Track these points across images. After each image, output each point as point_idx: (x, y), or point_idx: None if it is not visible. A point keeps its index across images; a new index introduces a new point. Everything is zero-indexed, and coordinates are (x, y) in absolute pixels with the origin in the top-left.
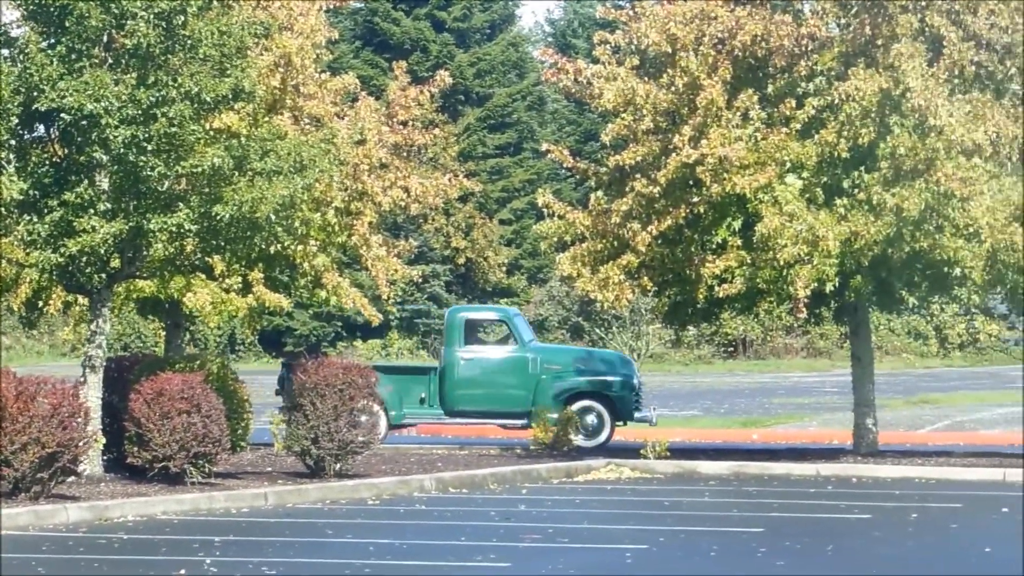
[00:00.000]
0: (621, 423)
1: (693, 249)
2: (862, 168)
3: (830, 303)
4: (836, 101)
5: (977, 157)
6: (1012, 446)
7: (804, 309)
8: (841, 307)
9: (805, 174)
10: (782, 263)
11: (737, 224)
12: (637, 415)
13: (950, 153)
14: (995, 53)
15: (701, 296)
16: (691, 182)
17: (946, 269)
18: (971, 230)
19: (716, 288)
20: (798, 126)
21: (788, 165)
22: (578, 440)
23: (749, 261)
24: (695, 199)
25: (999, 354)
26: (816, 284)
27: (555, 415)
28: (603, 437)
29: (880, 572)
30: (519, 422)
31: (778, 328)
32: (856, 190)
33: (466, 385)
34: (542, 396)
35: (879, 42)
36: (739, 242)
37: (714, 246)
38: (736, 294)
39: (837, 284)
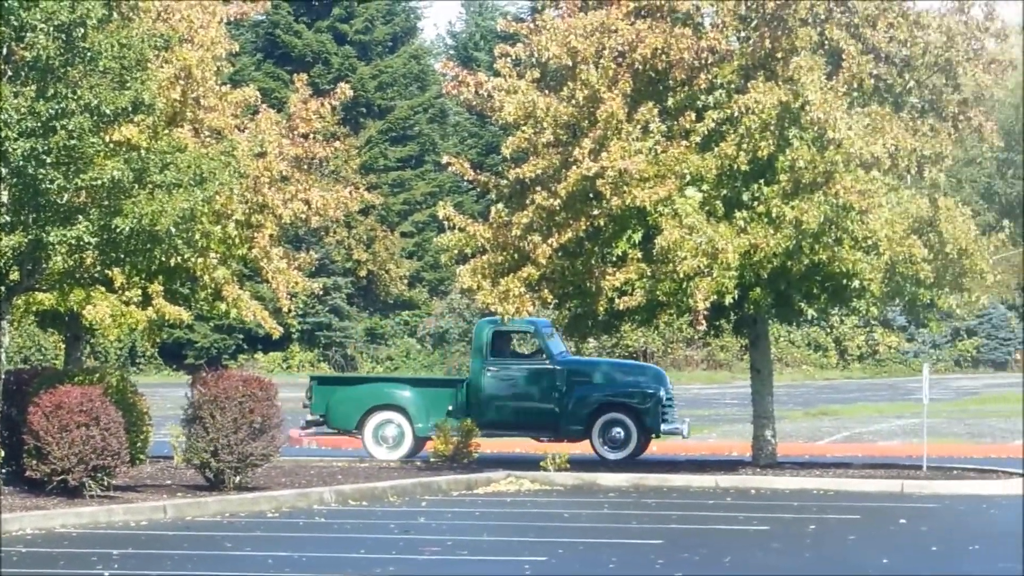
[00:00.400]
0: (652, 436)
1: (593, 261)
2: (762, 181)
3: (730, 315)
4: (736, 114)
5: (876, 170)
6: (910, 458)
7: (704, 321)
8: (740, 319)
9: (705, 187)
10: (682, 275)
11: (637, 237)
12: (666, 427)
13: (849, 166)
14: (894, 66)
15: (601, 308)
16: (591, 195)
17: (845, 281)
18: (870, 243)
19: (616, 300)
20: (698, 139)
21: (688, 178)
22: (604, 452)
23: (649, 273)
24: (595, 212)
25: (898, 366)
26: (715, 296)
27: (581, 428)
28: (630, 449)
29: None
30: (546, 435)
31: (679, 340)
32: (755, 203)
33: (492, 398)
34: (569, 409)
35: (779, 55)
36: (639, 255)
37: (614, 259)
38: (636, 306)
39: (736, 296)
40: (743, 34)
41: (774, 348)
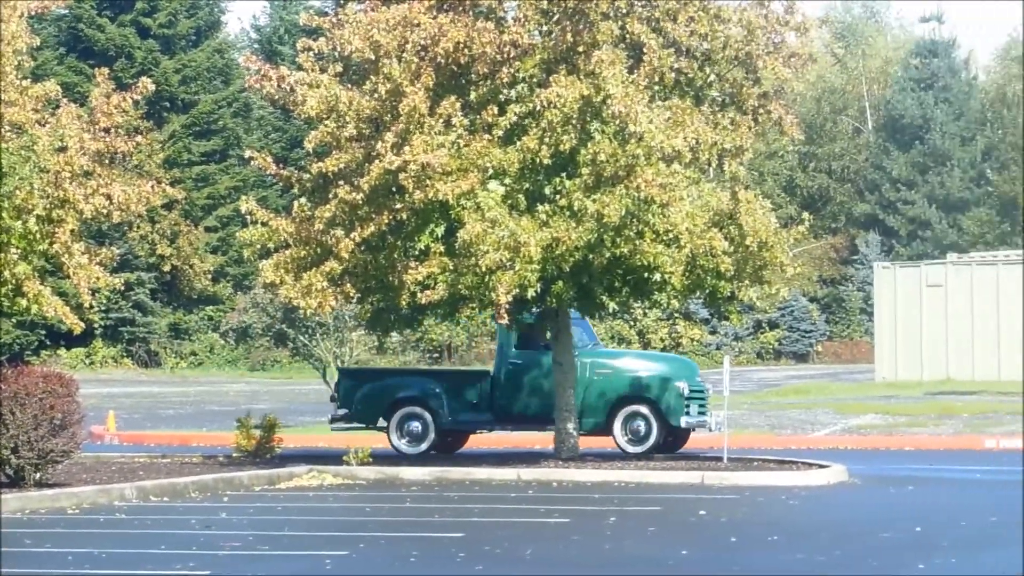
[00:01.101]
0: (674, 428)
1: (396, 256)
2: (564, 174)
3: (532, 308)
4: (538, 108)
5: (677, 163)
6: (711, 449)
7: (506, 315)
8: (543, 312)
9: (507, 180)
10: (484, 269)
11: (440, 231)
12: (687, 420)
13: (650, 159)
14: (695, 60)
15: (404, 302)
16: (394, 189)
17: (646, 274)
18: (671, 236)
19: (419, 294)
20: (500, 133)
21: (490, 172)
22: (625, 445)
23: (452, 267)
24: (398, 206)
25: (701, 358)
26: (518, 290)
27: (602, 421)
28: (650, 443)
29: (577, 574)
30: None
31: (483, 334)
32: (558, 196)
33: (514, 391)
34: (589, 401)
35: (580, 49)
36: (442, 248)
37: (417, 252)
38: (438, 300)
39: (539, 290)
40: (545, 28)
41: None
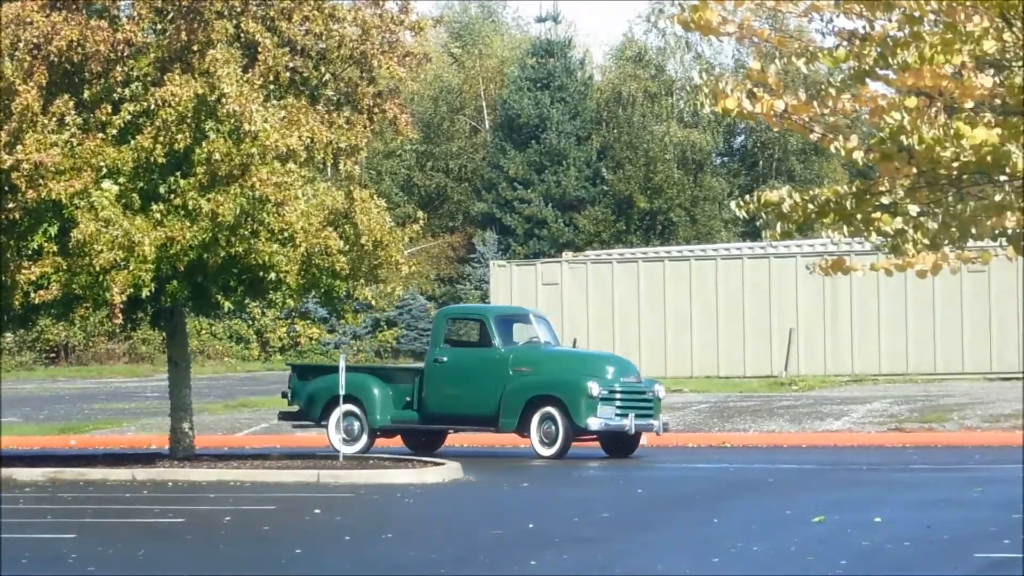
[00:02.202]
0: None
1: (9, 255)
2: (178, 173)
3: (147, 308)
4: (152, 107)
5: (292, 162)
6: (327, 448)
7: (121, 315)
8: (158, 312)
9: (122, 180)
10: (98, 269)
11: (53, 230)
12: (597, 422)
13: (265, 158)
14: (310, 59)
15: (17, 302)
16: (7, 188)
17: (262, 274)
18: (286, 235)
19: (32, 294)
20: (115, 131)
21: (104, 171)
22: (538, 447)
23: (65, 267)
24: (11, 205)
25: (319, 356)
26: (132, 290)
27: (515, 421)
28: (557, 446)
29: (189, 574)
30: (489, 429)
31: (101, 334)
32: (172, 195)
33: (439, 389)
34: (507, 400)
35: (195, 48)
36: (55, 248)
37: (30, 252)
38: (52, 300)
39: (153, 289)
40: (160, 27)
41: (196, 341)
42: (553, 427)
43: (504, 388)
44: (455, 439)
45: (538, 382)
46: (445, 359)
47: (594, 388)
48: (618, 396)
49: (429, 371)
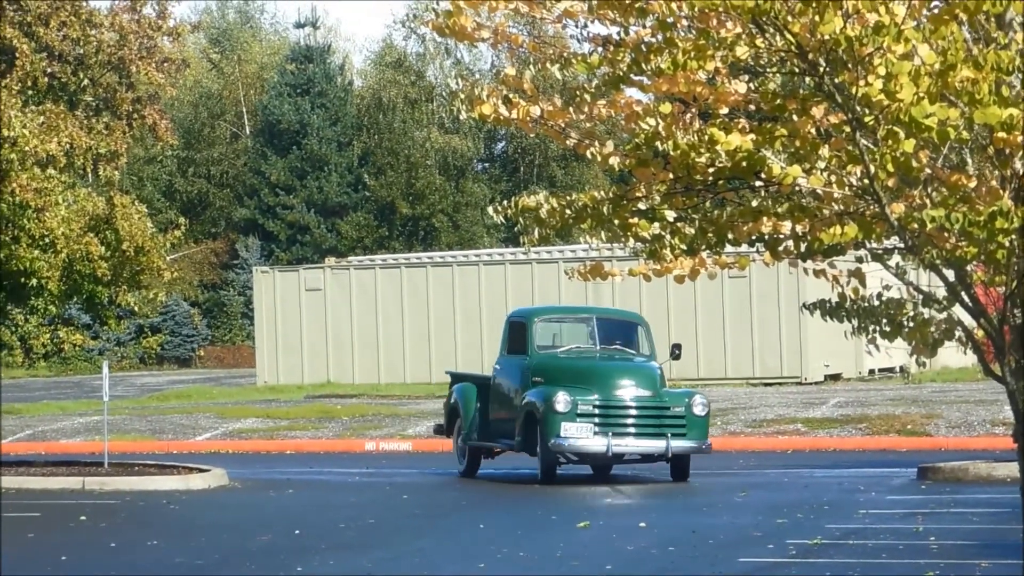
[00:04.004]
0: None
1: None
2: None
3: None
4: None
5: (52, 168)
6: (94, 455)
7: None
8: None
9: None
10: None
11: None
12: (557, 443)
13: (24, 164)
14: (68, 65)
15: None
16: None
17: (23, 279)
18: (47, 240)
19: None
20: None
21: None
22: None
23: None
24: None
25: (83, 363)
26: None
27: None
28: (539, 471)
29: None
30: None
31: None
32: None
33: (485, 403)
34: (518, 416)
35: None
36: None
37: None
38: None
39: None
40: None
41: None
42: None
43: (521, 401)
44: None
45: (533, 395)
46: (499, 368)
47: (560, 402)
48: (598, 412)
49: (490, 383)
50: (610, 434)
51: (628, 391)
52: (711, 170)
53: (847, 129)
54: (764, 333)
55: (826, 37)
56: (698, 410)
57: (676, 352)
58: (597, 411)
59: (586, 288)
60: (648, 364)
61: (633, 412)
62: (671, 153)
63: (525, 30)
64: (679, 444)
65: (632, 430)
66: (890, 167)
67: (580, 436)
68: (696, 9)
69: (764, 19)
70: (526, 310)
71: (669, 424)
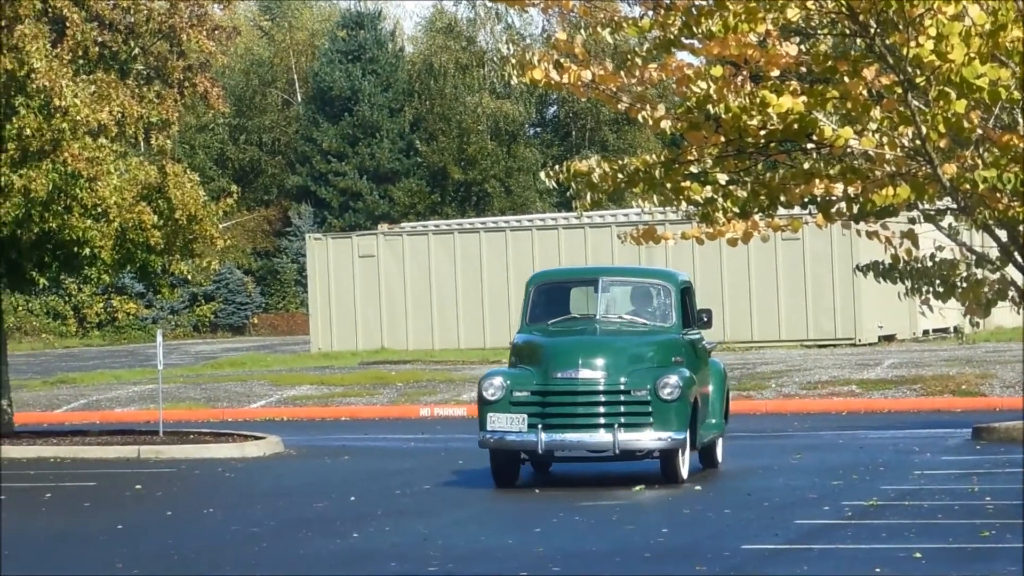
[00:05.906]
0: None
1: None
2: None
3: None
4: None
5: (103, 137)
6: (148, 423)
7: None
8: None
9: None
10: None
11: None
12: (486, 439)
13: (76, 133)
14: (119, 34)
15: None
16: None
17: (76, 249)
18: (99, 210)
19: None
20: None
21: None
22: None
23: None
24: None
25: (137, 332)
26: None
27: None
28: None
29: (8, 553)
30: None
31: None
32: None
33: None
34: None
35: (3, 23)
36: None
37: None
38: None
39: None
40: None
41: (13, 317)
42: None
43: None
44: None
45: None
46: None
47: (489, 388)
48: (534, 400)
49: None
50: (540, 426)
51: (579, 372)
52: (763, 133)
53: (898, 90)
54: (817, 295)
55: None
56: (666, 394)
57: (704, 318)
58: (533, 398)
59: (639, 252)
60: (647, 336)
61: (577, 399)
62: (723, 116)
63: None
64: (632, 437)
65: (577, 420)
66: (942, 128)
67: (510, 429)
68: None
69: None
70: (539, 273)
71: (626, 412)
